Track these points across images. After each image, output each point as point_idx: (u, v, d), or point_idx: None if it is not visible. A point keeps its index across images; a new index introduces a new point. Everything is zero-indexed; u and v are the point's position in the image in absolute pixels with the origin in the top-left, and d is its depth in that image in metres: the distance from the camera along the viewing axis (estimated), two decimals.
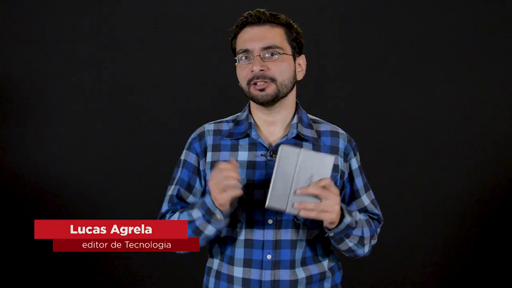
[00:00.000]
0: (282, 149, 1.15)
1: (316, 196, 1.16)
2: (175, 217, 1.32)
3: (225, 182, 1.17)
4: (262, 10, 1.33)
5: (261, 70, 1.28)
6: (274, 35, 1.31)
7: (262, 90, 1.29)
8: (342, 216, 1.24)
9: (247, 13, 1.34)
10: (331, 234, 1.26)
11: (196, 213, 1.26)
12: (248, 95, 1.33)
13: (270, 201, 1.16)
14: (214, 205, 1.21)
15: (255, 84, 1.29)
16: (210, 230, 1.26)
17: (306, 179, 1.16)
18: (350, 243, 1.30)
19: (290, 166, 1.15)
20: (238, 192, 1.18)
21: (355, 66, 2.59)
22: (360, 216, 1.34)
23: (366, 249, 1.35)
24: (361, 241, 1.32)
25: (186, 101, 2.59)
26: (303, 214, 1.17)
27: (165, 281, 2.60)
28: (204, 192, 1.40)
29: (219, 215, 1.22)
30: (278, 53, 1.30)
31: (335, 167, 1.34)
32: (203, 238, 1.28)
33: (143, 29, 2.58)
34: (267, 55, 1.29)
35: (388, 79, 2.59)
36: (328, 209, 1.17)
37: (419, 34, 2.58)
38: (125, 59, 2.58)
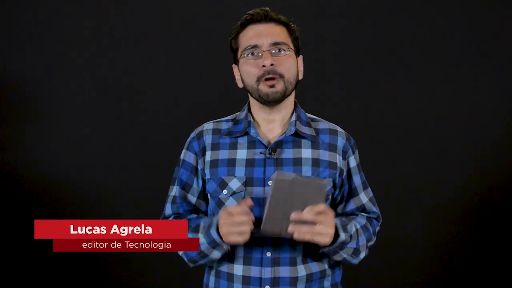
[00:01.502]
0: (276, 178, 1.16)
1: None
2: None
3: (240, 228, 1.19)
4: (266, 8, 1.33)
5: (271, 65, 1.28)
6: (280, 32, 1.32)
7: (272, 86, 1.28)
8: (336, 233, 1.24)
9: (251, 11, 1.33)
10: (325, 250, 1.27)
11: (202, 239, 1.28)
12: (256, 93, 1.31)
13: (265, 227, 1.19)
14: (221, 240, 1.23)
15: (266, 80, 1.28)
16: (216, 254, 1.29)
17: (300, 205, 1.18)
18: (344, 254, 1.31)
19: (284, 193, 1.17)
20: (248, 236, 1.19)
21: (355, 66, 2.59)
22: (357, 226, 1.34)
23: (362, 255, 1.36)
24: (355, 252, 1.33)
25: (186, 101, 2.59)
26: (297, 236, 1.18)
27: (165, 281, 2.60)
28: (201, 192, 1.40)
29: (226, 246, 1.25)
30: (285, 49, 1.30)
31: (333, 165, 1.35)
32: (208, 260, 1.31)
33: (143, 29, 2.58)
34: (274, 51, 1.29)
35: (387, 79, 2.59)
36: (322, 232, 1.19)
37: (419, 34, 2.58)
38: (125, 59, 2.58)
